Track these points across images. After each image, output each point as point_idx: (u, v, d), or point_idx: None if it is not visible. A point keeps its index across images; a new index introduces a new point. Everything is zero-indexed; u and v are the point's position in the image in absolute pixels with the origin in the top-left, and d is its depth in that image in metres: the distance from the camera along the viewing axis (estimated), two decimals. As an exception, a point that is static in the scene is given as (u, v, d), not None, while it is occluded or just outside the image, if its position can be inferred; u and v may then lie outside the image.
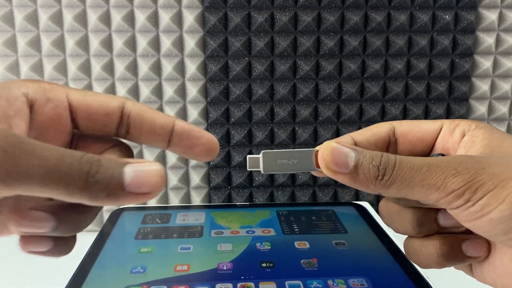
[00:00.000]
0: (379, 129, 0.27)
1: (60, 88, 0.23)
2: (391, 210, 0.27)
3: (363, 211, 0.45)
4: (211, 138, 0.25)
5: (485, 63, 0.55)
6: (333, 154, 0.23)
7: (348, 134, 0.26)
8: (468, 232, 0.26)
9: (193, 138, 0.25)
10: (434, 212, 0.25)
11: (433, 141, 0.27)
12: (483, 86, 0.56)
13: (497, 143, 0.24)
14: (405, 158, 0.22)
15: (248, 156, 0.26)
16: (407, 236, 0.27)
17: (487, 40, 0.54)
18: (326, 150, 0.23)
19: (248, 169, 0.26)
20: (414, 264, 0.34)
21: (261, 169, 0.25)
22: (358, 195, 0.57)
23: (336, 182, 0.57)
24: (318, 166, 0.24)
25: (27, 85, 0.22)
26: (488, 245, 0.25)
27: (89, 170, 0.18)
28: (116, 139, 0.26)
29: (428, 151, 0.27)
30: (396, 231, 0.27)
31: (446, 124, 0.26)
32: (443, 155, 0.26)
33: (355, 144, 0.26)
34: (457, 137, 0.26)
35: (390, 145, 0.27)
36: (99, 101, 0.24)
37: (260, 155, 0.25)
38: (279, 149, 0.55)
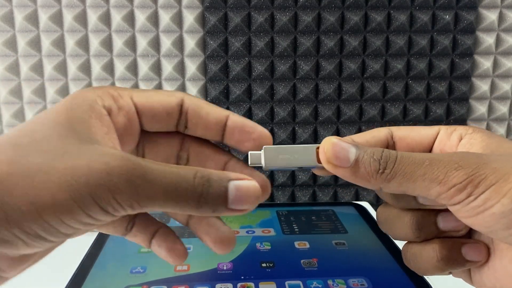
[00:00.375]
0: (378, 133, 0.27)
1: (125, 92, 0.24)
2: (389, 214, 0.27)
3: (363, 211, 0.45)
4: (263, 133, 0.26)
5: (485, 63, 0.55)
6: (334, 148, 0.23)
7: (348, 136, 0.27)
8: (467, 236, 0.26)
9: (245, 133, 0.25)
10: (434, 214, 0.25)
11: (431, 145, 0.27)
12: (483, 86, 0.56)
13: (495, 145, 0.24)
14: (406, 153, 0.23)
15: (249, 152, 0.25)
16: (405, 242, 0.27)
17: (487, 40, 0.54)
18: (327, 144, 0.24)
19: (249, 165, 0.25)
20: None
21: (262, 164, 0.25)
22: (358, 195, 0.57)
23: (336, 182, 0.57)
24: (319, 162, 0.24)
25: (101, 96, 0.23)
26: (488, 249, 0.25)
27: (202, 193, 0.20)
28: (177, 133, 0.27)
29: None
30: (395, 237, 0.27)
31: (443, 129, 0.27)
32: None
33: None
34: (454, 140, 0.26)
35: (388, 148, 0.27)
36: (161, 101, 0.25)
37: (262, 151, 0.25)
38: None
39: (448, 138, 0.26)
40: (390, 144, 0.27)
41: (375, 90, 0.55)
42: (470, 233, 0.26)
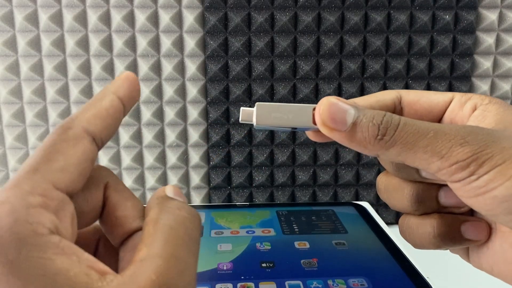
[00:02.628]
0: (385, 97, 0.25)
1: (47, 184, 0.17)
2: (389, 183, 0.26)
3: (363, 211, 0.45)
4: None
5: (485, 63, 0.55)
6: (331, 109, 0.21)
7: (351, 99, 0.25)
8: (469, 214, 0.24)
9: None
10: (435, 189, 0.24)
11: (441, 114, 0.25)
12: (483, 86, 0.56)
13: (511, 119, 0.22)
14: (411, 120, 0.21)
15: (241, 108, 0.24)
16: (403, 214, 0.26)
17: (487, 40, 0.54)
18: (324, 105, 0.22)
19: (240, 121, 0.24)
20: (412, 263, 0.33)
21: (254, 121, 0.23)
22: (358, 195, 0.57)
23: (336, 182, 0.57)
24: (314, 123, 0.23)
25: (33, 220, 0.16)
26: (489, 229, 0.23)
27: None
28: None
29: None
30: (393, 207, 0.26)
31: (457, 97, 0.25)
32: None
33: None
34: (467, 110, 0.24)
35: (395, 113, 0.25)
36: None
37: (255, 107, 0.23)
38: (279, 148, 0.55)
39: (461, 108, 0.24)
40: (397, 110, 0.25)
41: (375, 90, 0.55)
42: (472, 210, 0.24)
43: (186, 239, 0.17)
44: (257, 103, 0.23)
